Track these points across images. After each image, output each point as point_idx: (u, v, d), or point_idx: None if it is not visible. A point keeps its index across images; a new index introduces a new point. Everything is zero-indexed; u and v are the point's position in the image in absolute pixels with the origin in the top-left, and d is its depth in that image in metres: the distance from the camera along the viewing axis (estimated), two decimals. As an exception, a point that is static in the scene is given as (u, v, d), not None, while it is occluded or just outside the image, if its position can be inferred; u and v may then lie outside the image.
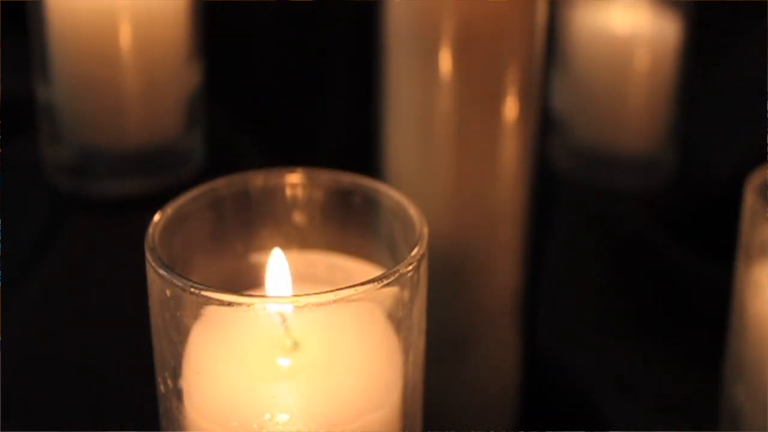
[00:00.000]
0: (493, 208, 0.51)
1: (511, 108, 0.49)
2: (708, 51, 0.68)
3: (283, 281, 0.39)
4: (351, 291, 0.35)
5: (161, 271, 0.36)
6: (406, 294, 0.37)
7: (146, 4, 0.57)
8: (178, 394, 0.37)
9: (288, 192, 0.41)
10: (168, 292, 0.36)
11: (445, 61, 0.49)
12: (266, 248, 0.41)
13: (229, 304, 0.35)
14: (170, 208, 0.39)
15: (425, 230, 0.38)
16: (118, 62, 0.57)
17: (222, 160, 0.61)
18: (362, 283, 0.35)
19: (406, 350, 0.37)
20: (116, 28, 0.56)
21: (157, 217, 0.38)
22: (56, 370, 0.52)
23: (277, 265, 0.39)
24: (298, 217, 0.42)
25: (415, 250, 0.37)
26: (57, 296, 0.54)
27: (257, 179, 0.41)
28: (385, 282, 0.36)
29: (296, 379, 0.36)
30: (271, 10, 0.67)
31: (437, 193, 0.50)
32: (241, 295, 0.35)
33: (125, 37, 0.57)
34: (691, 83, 0.68)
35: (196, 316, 0.36)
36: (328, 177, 0.41)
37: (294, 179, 0.41)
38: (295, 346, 0.36)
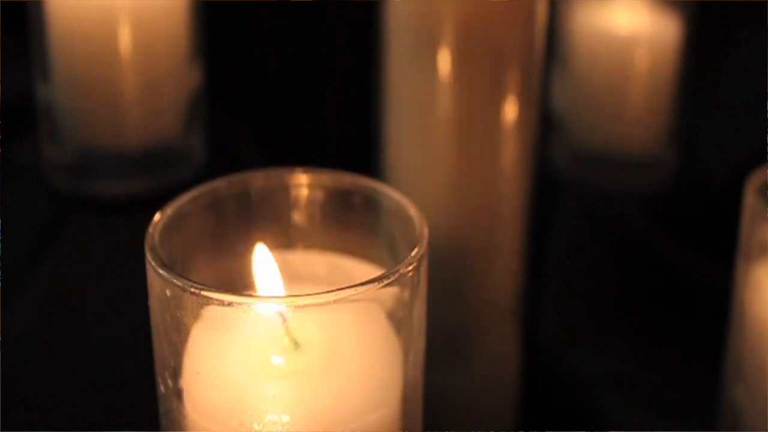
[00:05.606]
0: (493, 208, 0.51)
1: (511, 108, 0.49)
2: (708, 51, 0.68)
3: (272, 278, 0.39)
4: (351, 291, 0.35)
5: (161, 271, 0.36)
6: (406, 294, 0.37)
7: (146, 4, 0.57)
8: (178, 394, 0.37)
9: (288, 192, 0.41)
10: (168, 292, 0.36)
11: (445, 61, 0.48)
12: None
13: (229, 304, 0.35)
14: (170, 208, 0.39)
15: (425, 230, 0.38)
16: (118, 62, 0.57)
17: (222, 160, 0.61)
18: (362, 283, 0.35)
19: (406, 350, 0.37)
20: (116, 28, 0.56)
21: (157, 217, 0.38)
22: (56, 370, 0.52)
23: (264, 262, 0.39)
24: (299, 217, 0.42)
25: (415, 250, 0.37)
26: (57, 296, 0.54)
27: (257, 179, 0.41)
28: (385, 282, 0.36)
29: (296, 379, 0.36)
30: (271, 9, 0.67)
31: (437, 193, 0.50)
32: (241, 295, 0.35)
33: (125, 37, 0.57)
34: (691, 83, 0.68)
35: (196, 316, 0.36)
36: (328, 177, 0.41)
37: (294, 179, 0.41)
38: (295, 346, 0.36)
